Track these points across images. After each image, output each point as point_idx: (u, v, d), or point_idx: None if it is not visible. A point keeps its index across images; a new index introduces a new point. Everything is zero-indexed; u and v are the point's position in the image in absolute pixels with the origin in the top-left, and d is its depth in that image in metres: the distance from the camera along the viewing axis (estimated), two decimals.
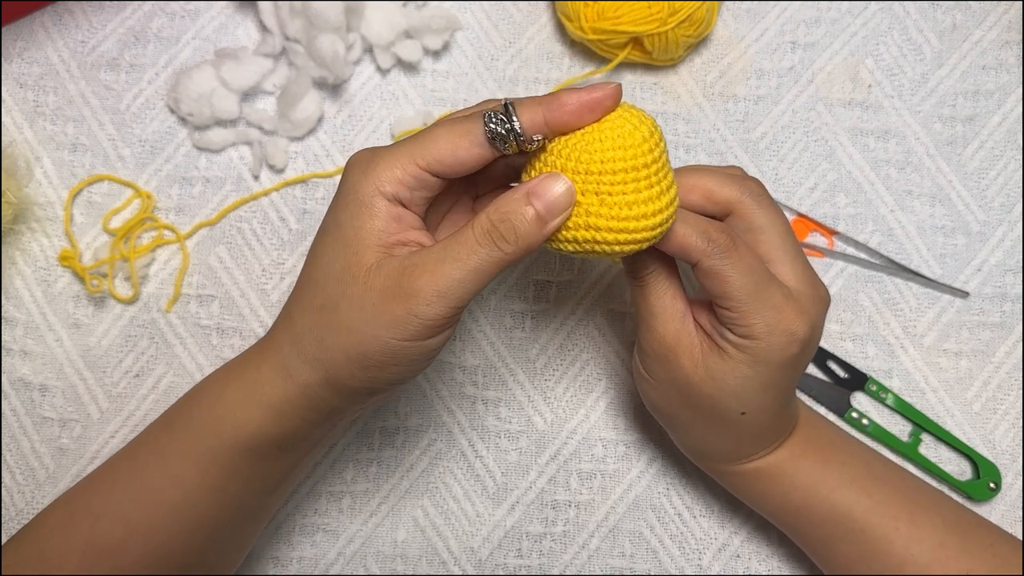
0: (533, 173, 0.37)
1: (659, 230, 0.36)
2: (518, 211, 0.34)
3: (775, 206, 0.41)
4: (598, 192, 0.35)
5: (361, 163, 0.36)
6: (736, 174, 0.41)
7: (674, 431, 0.45)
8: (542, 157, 0.37)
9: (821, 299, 0.40)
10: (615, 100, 0.35)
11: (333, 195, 0.39)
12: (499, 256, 0.34)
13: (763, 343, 0.38)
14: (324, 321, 0.36)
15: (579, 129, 0.36)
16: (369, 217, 0.35)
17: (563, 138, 0.36)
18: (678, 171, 0.41)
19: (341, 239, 0.36)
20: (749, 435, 0.42)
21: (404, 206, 0.36)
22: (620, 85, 0.35)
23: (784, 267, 0.40)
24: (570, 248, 0.37)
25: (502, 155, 0.36)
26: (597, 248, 0.36)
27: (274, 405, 0.38)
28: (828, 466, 0.43)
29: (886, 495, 0.43)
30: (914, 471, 0.51)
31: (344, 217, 0.36)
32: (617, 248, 0.36)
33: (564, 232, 0.36)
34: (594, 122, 0.35)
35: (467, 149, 0.35)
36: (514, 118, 0.35)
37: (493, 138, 0.35)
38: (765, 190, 0.41)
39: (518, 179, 0.40)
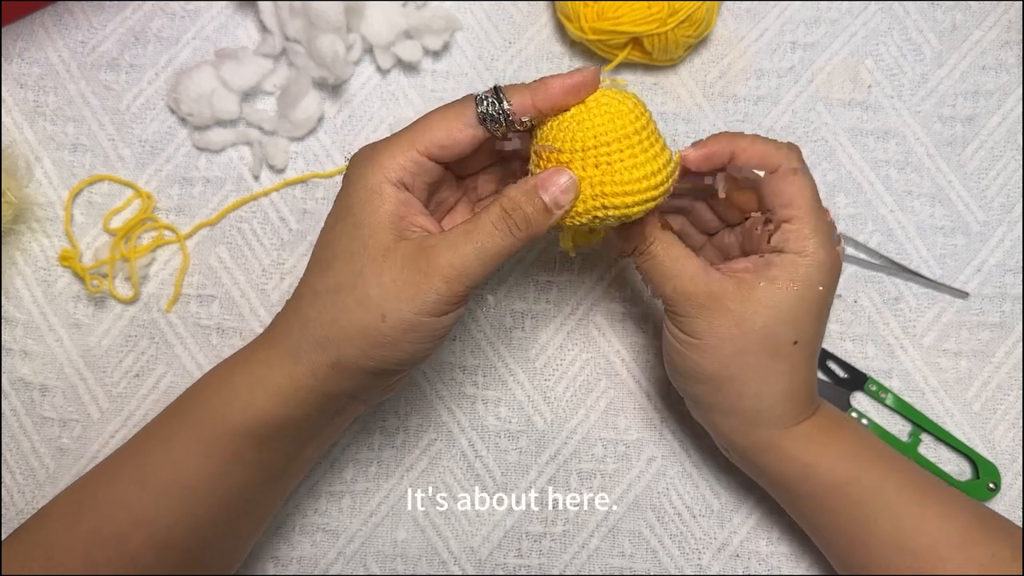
0: (540, 164, 0.39)
1: (663, 188, 0.38)
2: (528, 202, 0.37)
3: (807, 174, 0.42)
4: (598, 164, 0.37)
5: (365, 155, 0.39)
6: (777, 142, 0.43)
7: (725, 395, 0.43)
8: (542, 143, 0.39)
9: (838, 254, 0.43)
10: (595, 81, 0.38)
11: (336, 193, 0.40)
12: (511, 241, 0.37)
13: (816, 258, 0.40)
14: (338, 301, 0.38)
15: (565, 110, 0.38)
16: (380, 202, 0.38)
17: (555, 122, 0.38)
18: (728, 136, 0.43)
19: (353, 223, 0.38)
20: (800, 377, 0.42)
21: (408, 191, 0.39)
22: (599, 68, 0.39)
23: None
24: (585, 219, 0.39)
25: (491, 136, 0.39)
26: (611, 213, 0.38)
27: (281, 389, 0.39)
28: (861, 440, 0.44)
29: (913, 474, 0.43)
30: None
31: (355, 203, 0.38)
32: (627, 210, 0.38)
33: (578, 206, 0.38)
34: (578, 103, 0.38)
35: (461, 130, 0.38)
36: (504, 101, 0.38)
37: (484, 119, 0.38)
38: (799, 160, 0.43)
39: (503, 160, 0.44)
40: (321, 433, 0.42)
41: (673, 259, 0.41)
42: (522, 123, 0.38)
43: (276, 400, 0.39)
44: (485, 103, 0.38)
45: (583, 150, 0.37)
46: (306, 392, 0.39)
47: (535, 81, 0.38)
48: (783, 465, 0.44)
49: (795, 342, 0.41)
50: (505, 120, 0.38)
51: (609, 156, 0.37)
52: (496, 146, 0.41)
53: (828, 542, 0.45)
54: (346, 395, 0.40)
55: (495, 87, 0.38)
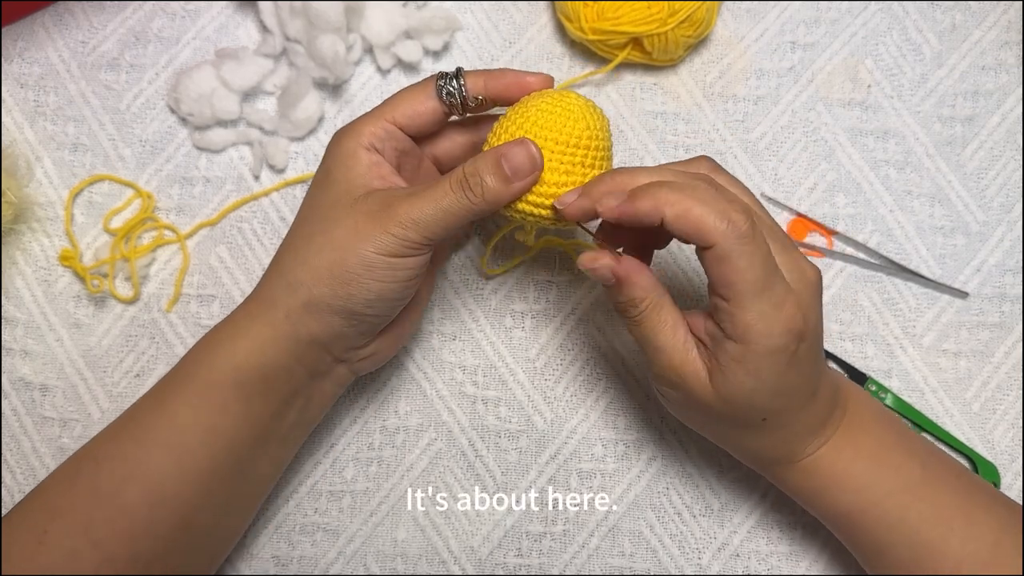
0: (497, 138, 0.42)
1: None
2: (488, 169, 0.39)
3: (754, 241, 0.37)
4: (561, 163, 0.40)
5: (342, 129, 0.43)
6: (684, 171, 0.39)
7: (712, 439, 0.45)
8: (504, 126, 0.42)
9: (811, 283, 0.39)
10: (546, 87, 0.43)
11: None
12: (467, 204, 0.39)
13: (759, 346, 0.37)
14: (310, 244, 0.41)
15: (509, 102, 0.43)
16: (354, 163, 0.42)
17: (530, 114, 0.41)
18: (653, 188, 0.38)
19: (330, 182, 0.42)
20: (780, 436, 0.41)
21: (380, 155, 0.42)
22: (552, 77, 0.43)
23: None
24: (519, 214, 0.42)
25: (449, 109, 0.43)
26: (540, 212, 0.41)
27: (260, 335, 0.41)
28: (882, 470, 0.42)
29: (942, 498, 0.41)
30: None
31: (332, 166, 0.42)
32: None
33: (531, 197, 0.41)
34: (521, 97, 0.42)
35: (423, 102, 0.43)
36: (461, 78, 0.43)
37: (441, 92, 0.43)
38: (713, 183, 0.38)
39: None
40: (303, 392, 0.43)
41: (661, 330, 0.40)
42: (475, 99, 0.43)
43: (255, 346, 0.41)
44: (445, 79, 0.43)
45: (555, 144, 0.40)
46: (283, 338, 0.41)
47: (495, 69, 0.43)
48: (792, 491, 0.45)
49: (763, 419, 0.40)
50: (460, 95, 0.43)
51: (573, 159, 0.40)
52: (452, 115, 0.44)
53: (852, 550, 0.45)
54: (319, 344, 0.42)
55: (457, 68, 0.43)
